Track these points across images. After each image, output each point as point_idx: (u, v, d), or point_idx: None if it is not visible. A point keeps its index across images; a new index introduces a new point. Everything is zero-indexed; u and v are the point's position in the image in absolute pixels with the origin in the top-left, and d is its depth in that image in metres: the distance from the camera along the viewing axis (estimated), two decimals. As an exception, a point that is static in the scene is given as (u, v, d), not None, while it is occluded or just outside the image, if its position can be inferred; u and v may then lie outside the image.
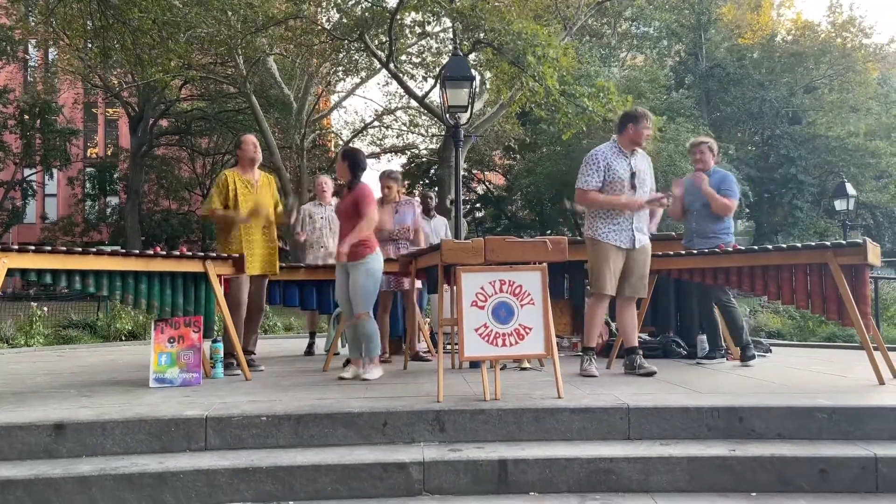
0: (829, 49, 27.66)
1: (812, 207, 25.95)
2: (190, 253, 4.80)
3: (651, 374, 4.59)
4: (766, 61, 27.98)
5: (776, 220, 25.86)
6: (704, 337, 5.67)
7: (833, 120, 25.96)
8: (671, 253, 5.15)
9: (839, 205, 19.63)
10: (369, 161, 26.32)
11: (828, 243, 4.33)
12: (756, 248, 4.70)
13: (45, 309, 10.86)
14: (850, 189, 19.26)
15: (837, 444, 3.30)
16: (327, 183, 7.04)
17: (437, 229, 6.85)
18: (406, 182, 30.36)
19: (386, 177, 6.06)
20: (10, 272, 3.86)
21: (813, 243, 4.44)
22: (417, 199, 6.44)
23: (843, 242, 4.28)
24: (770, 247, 4.63)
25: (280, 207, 5.51)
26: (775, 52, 28.16)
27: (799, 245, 4.47)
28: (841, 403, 3.49)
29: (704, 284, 5.10)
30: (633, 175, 4.68)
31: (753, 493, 3.08)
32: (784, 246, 4.55)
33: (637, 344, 4.82)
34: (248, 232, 5.18)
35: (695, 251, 5.08)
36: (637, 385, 4.19)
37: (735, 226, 5.67)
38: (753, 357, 5.29)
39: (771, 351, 6.51)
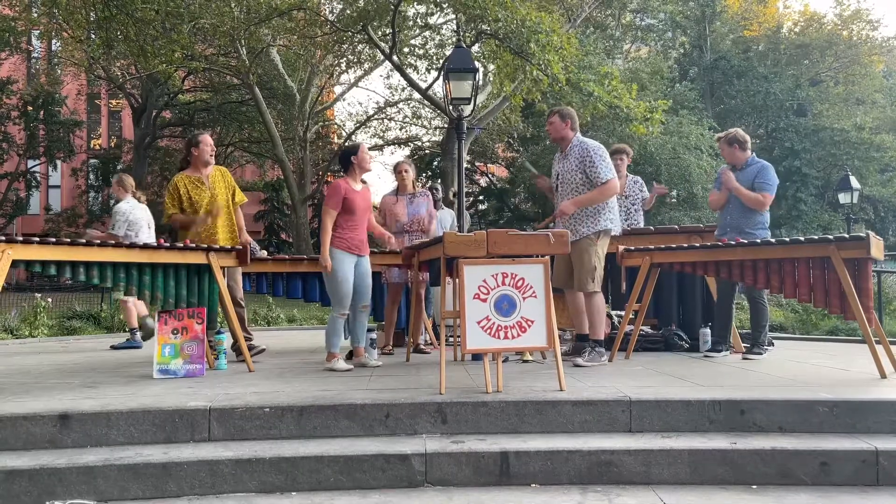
0: (836, 41, 27.53)
1: (816, 201, 25.87)
2: (193, 245, 4.82)
3: (577, 365, 4.76)
4: (772, 53, 27.88)
5: (780, 213, 25.78)
6: (707, 330, 5.67)
7: (839, 113, 25.85)
8: (673, 246, 5.15)
9: (843, 198, 19.54)
10: (373, 153, 26.44)
11: (831, 237, 4.32)
12: (759, 241, 4.70)
13: (50, 300, 10.91)
14: (854, 182, 19.17)
15: (839, 437, 3.31)
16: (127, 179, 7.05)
17: (443, 221, 6.85)
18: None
19: (400, 166, 6.07)
20: (15, 263, 3.87)
21: (816, 237, 4.43)
22: (429, 192, 6.43)
23: (847, 236, 4.27)
24: (773, 240, 4.62)
25: (238, 195, 5.61)
26: (781, 45, 28.04)
27: (802, 238, 4.47)
28: (842, 397, 3.50)
29: (739, 281, 5.05)
30: (556, 176, 5.06)
31: (754, 486, 3.10)
32: (787, 239, 4.55)
33: (585, 332, 4.97)
34: (208, 227, 5.35)
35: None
36: (639, 378, 4.21)
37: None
38: (760, 355, 5.29)
39: (773, 344, 6.51)
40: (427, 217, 6.01)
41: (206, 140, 5.51)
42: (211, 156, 5.47)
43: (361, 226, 4.92)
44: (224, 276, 5.31)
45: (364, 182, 5.05)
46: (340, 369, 4.69)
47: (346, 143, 27.88)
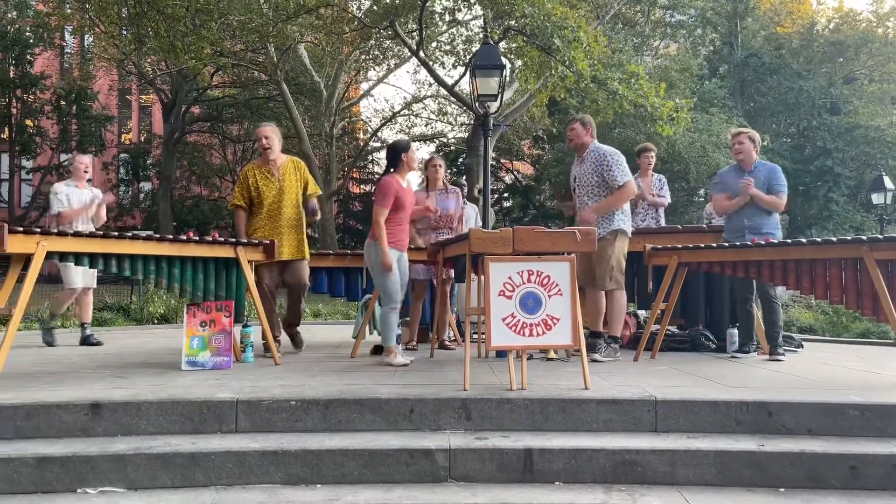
0: (871, 39, 26.98)
1: (848, 201, 25.38)
2: (222, 239, 4.87)
3: (594, 360, 4.86)
4: (805, 51, 27.38)
5: (811, 213, 25.35)
6: (735, 331, 5.61)
7: (873, 111, 25.33)
8: (701, 245, 5.09)
9: (876, 198, 19.17)
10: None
11: (864, 237, 4.25)
12: (790, 241, 4.63)
13: (81, 291, 11.09)
14: (887, 182, 18.79)
15: (869, 441, 3.25)
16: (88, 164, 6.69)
17: (468, 217, 6.85)
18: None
19: (433, 161, 6.10)
20: (49, 255, 3.95)
21: (848, 237, 4.35)
22: (458, 188, 6.46)
23: (880, 237, 4.19)
24: (804, 240, 4.55)
25: (312, 189, 5.55)
26: (814, 42, 27.54)
27: (834, 239, 4.39)
28: (874, 400, 3.44)
29: (753, 279, 5.03)
30: (574, 179, 5.26)
31: (782, 489, 3.06)
32: (819, 240, 4.48)
33: (600, 330, 5.10)
34: (273, 219, 5.33)
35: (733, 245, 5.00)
36: (664, 377, 4.17)
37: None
38: (783, 355, 5.25)
39: (802, 346, 6.42)
40: (455, 214, 6.05)
41: (257, 132, 5.50)
42: (263, 143, 5.37)
43: (406, 223, 4.94)
44: (284, 269, 5.41)
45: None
46: (398, 364, 4.69)
47: (370, 138, 27.99)
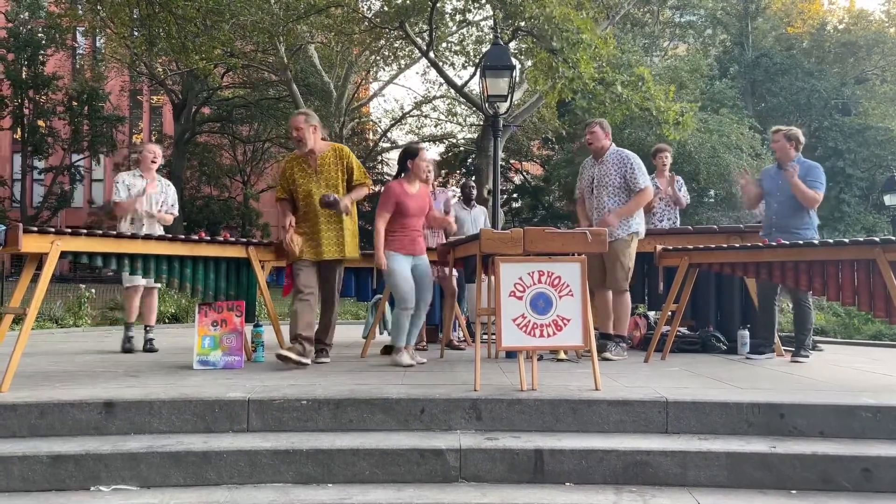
0: (883, 39, 26.80)
1: (860, 202, 25.18)
2: (233, 239, 4.90)
3: (606, 359, 4.97)
4: (816, 51, 27.22)
5: (822, 214, 25.04)
6: (746, 332, 5.59)
7: (885, 112, 25.17)
8: (712, 246, 5.08)
9: (888, 200, 19.00)
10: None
11: (876, 239, 4.22)
12: (801, 242, 4.61)
13: (93, 290, 11.19)
14: (900, 184, 18.64)
15: (882, 443, 3.24)
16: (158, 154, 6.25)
17: (477, 219, 6.85)
18: (444, 171, 30.41)
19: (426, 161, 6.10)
20: (63, 254, 3.98)
21: (861, 238, 4.33)
22: (451, 191, 6.47)
23: (893, 238, 4.17)
24: (816, 241, 4.53)
25: (358, 176, 5.02)
26: (825, 42, 27.37)
27: (846, 240, 4.36)
28: (886, 402, 3.42)
29: (780, 283, 5.02)
30: (592, 180, 5.36)
31: (794, 491, 3.05)
32: (831, 241, 4.45)
33: (610, 332, 5.22)
34: (310, 214, 4.94)
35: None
36: (676, 379, 4.17)
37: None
38: (807, 357, 5.26)
39: (814, 348, 6.38)
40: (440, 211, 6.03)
41: (290, 122, 5.01)
42: (296, 133, 4.87)
43: (415, 227, 4.85)
44: (263, 269, 5.23)
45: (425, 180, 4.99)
46: (403, 363, 4.71)
47: (379, 139, 28.02)
